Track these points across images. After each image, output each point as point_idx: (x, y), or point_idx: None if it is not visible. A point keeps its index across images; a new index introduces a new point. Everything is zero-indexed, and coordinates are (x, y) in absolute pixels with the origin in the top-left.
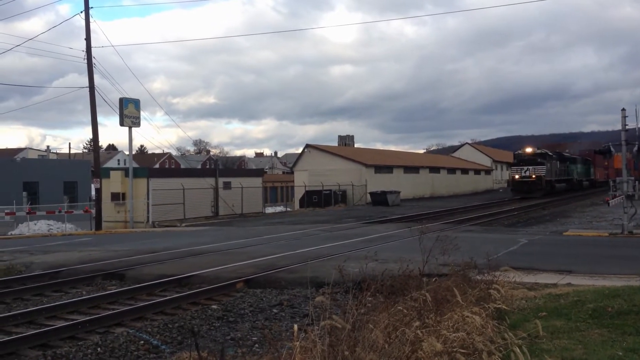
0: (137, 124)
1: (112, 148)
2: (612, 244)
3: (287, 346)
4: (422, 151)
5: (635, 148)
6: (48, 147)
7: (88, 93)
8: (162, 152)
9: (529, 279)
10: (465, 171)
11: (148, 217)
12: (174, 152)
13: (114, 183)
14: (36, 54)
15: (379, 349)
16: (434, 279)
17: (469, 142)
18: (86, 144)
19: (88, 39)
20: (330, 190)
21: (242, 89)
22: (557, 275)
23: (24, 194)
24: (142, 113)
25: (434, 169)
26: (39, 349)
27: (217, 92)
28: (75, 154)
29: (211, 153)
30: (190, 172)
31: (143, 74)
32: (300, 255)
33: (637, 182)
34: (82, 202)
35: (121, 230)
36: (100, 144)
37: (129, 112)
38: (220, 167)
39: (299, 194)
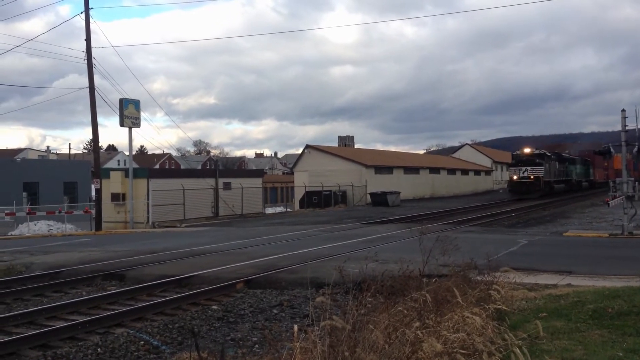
0: (137, 125)
1: (112, 148)
2: (612, 244)
3: (287, 347)
4: (422, 152)
5: (635, 149)
6: (48, 147)
7: (88, 94)
8: (162, 152)
9: (529, 279)
10: (465, 172)
11: (148, 217)
12: (174, 153)
13: (114, 183)
14: (36, 55)
15: (379, 350)
16: (434, 280)
17: (469, 142)
18: (86, 145)
19: (88, 39)
20: (330, 190)
21: (243, 90)
22: (557, 276)
23: (24, 194)
24: (142, 114)
25: (434, 170)
26: (39, 349)
27: (217, 92)
28: (75, 154)
29: (211, 153)
30: (191, 173)
31: (143, 74)
32: (301, 256)
33: (637, 182)
34: (82, 203)
35: (121, 230)
36: (100, 145)
37: (129, 112)
38: (221, 168)
39: (299, 194)
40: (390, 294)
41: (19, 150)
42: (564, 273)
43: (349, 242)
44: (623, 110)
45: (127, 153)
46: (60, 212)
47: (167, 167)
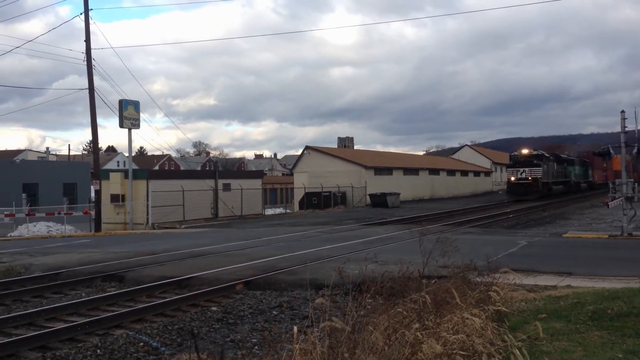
0: (137, 126)
1: (111, 150)
2: (612, 245)
3: (287, 348)
4: (421, 153)
5: (635, 150)
6: (48, 148)
7: (88, 95)
8: (161, 153)
9: (529, 280)
10: (464, 173)
11: (147, 218)
12: (173, 154)
13: (113, 185)
14: (36, 56)
15: (379, 351)
16: (433, 281)
17: (469, 143)
18: (86, 146)
19: (88, 40)
20: (329, 192)
21: (242, 91)
22: (557, 277)
23: (24, 195)
24: (141, 115)
25: (434, 171)
26: (38, 350)
27: (217, 93)
28: (74, 155)
29: (211, 155)
30: (190, 174)
31: (142, 75)
32: (300, 257)
33: (636, 184)
34: (82, 204)
35: (121, 232)
36: (99, 146)
37: (129, 113)
38: (220, 169)
39: (298, 195)
40: (389, 295)
41: (19, 152)
42: (563, 274)
43: (348, 244)
44: (622, 112)
45: (126, 154)
46: (59, 213)
47: (166, 168)
